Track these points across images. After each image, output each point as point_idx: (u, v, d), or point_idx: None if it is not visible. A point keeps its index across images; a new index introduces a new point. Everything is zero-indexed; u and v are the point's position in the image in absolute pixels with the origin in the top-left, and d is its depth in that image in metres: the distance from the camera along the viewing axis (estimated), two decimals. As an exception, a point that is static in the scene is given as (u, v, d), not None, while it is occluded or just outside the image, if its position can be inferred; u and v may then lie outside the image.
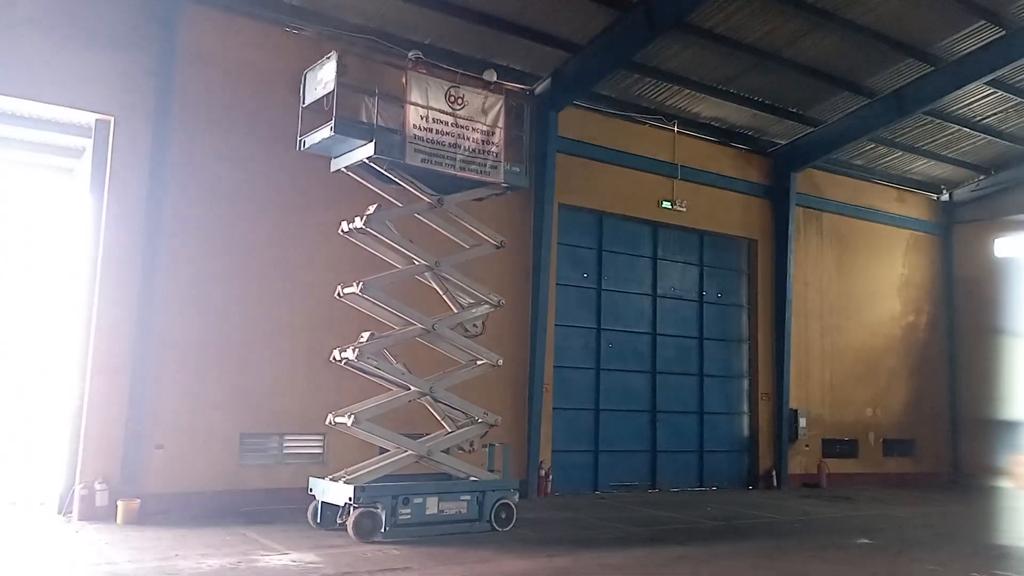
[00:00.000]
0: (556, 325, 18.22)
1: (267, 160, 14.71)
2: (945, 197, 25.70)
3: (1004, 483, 22.53)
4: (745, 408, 21.69)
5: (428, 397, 12.93)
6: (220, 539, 11.35)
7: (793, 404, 21.73)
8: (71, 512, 12.78)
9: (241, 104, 14.64)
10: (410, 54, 13.45)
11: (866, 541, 13.20)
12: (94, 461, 12.93)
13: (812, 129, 21.10)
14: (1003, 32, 17.46)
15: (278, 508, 13.67)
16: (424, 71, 13.09)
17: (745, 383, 21.76)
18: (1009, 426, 23.28)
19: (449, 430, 13.24)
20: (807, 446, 22.07)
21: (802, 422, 21.81)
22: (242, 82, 14.69)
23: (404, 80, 12.67)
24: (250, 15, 14.76)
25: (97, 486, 12.76)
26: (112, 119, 13.70)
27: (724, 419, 21.32)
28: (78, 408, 13.22)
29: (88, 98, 13.54)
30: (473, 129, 13.11)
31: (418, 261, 13.10)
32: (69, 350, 13.82)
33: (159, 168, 13.71)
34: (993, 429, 23.72)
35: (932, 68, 18.71)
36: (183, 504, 13.31)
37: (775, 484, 20.99)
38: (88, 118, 13.96)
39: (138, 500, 12.72)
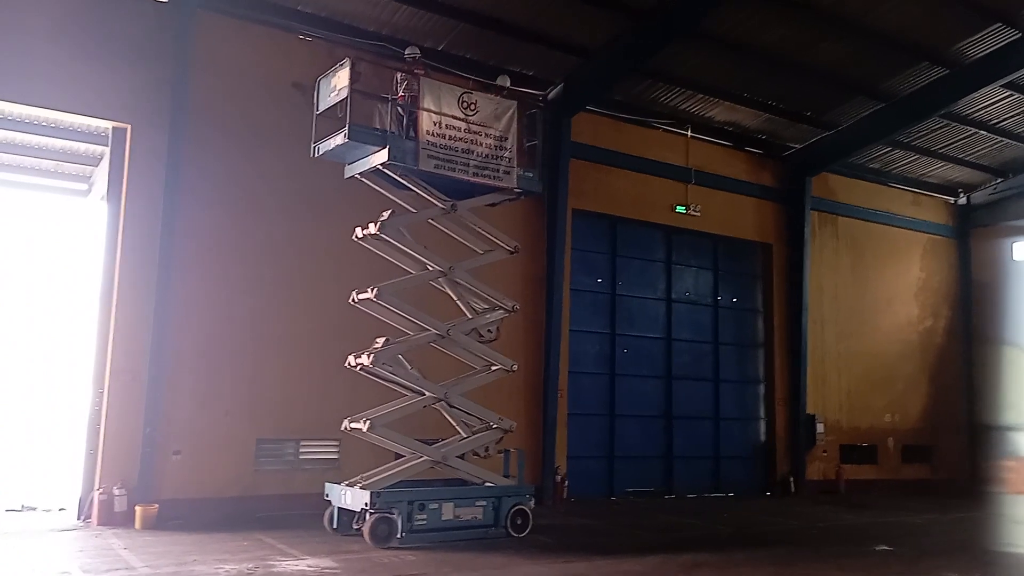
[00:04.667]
0: (570, 330, 18.16)
1: (281, 167, 14.77)
2: (962, 200, 25.50)
3: (999, 489, 21.99)
4: (761, 414, 21.56)
5: (443, 402, 12.93)
6: (237, 544, 11.38)
7: (810, 409, 21.57)
8: (90, 517, 12.89)
9: (255, 111, 14.73)
10: (406, 52, 13.38)
11: (885, 548, 13.07)
12: (112, 467, 13.02)
13: (827, 133, 21.00)
14: (1019, 34, 17.30)
15: (294, 514, 13.66)
16: (423, 72, 13.10)
17: (761, 388, 21.63)
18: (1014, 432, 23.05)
19: (464, 435, 13.21)
20: (825, 452, 21.88)
21: (819, 427, 21.61)
22: (256, 89, 14.78)
23: (417, 86, 12.74)
24: (263, 23, 14.85)
25: (115, 491, 12.85)
26: (129, 127, 13.83)
27: (740, 425, 21.22)
28: (96, 414, 13.32)
29: (105, 106, 13.68)
30: (486, 135, 13.14)
31: (432, 267, 13.12)
32: (87, 356, 13.92)
33: (175, 175, 13.80)
34: (1003, 436, 23.45)
35: (947, 71, 18.58)
36: (200, 509, 13.36)
37: (792, 490, 20.81)
38: (105, 126, 14.13)
39: (156, 505, 12.80)
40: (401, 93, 12.76)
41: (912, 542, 13.90)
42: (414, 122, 12.63)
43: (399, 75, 12.91)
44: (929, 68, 18.59)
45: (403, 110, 12.66)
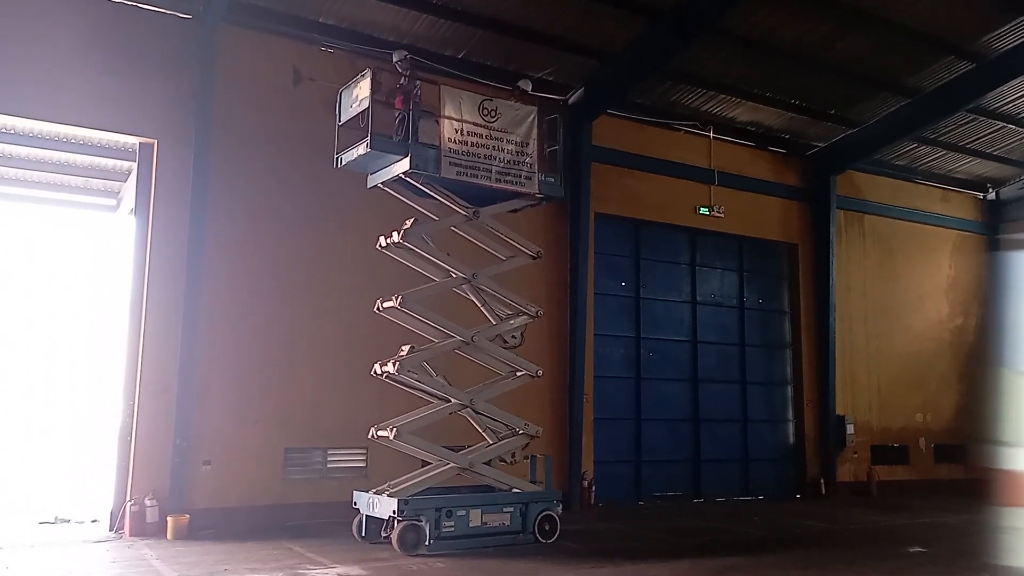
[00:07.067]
0: (595, 335, 18.11)
1: (305, 178, 14.90)
2: (992, 195, 25.11)
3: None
4: (790, 415, 21.34)
5: (469, 409, 12.94)
6: (267, 553, 11.47)
7: (839, 410, 21.32)
8: (122, 528, 13.04)
9: (278, 123, 14.87)
10: (394, 56, 13.35)
11: (919, 550, 12.88)
12: (144, 478, 13.18)
13: (851, 130, 20.77)
14: (1047, 26, 17.08)
15: (323, 522, 13.76)
16: (419, 77, 13.06)
17: (789, 390, 21.41)
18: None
19: (491, 442, 13.22)
20: (855, 453, 21.61)
21: (849, 428, 21.35)
22: (278, 101, 14.92)
23: (438, 94, 12.79)
24: (285, 35, 15.00)
25: (147, 502, 13.01)
26: (155, 142, 14.02)
27: (768, 427, 21.00)
28: (128, 426, 13.49)
29: (132, 122, 13.89)
30: (507, 141, 13.15)
31: (456, 273, 13.15)
32: (117, 369, 14.11)
33: (201, 188, 13.97)
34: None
35: (973, 65, 18.33)
36: (230, 519, 13.49)
37: (823, 492, 20.56)
38: (132, 141, 14.33)
39: (187, 516, 12.94)
40: (399, 97, 12.74)
41: (946, 544, 13.66)
42: (415, 125, 12.55)
43: (398, 83, 12.89)
44: (955, 63, 18.35)
45: (403, 115, 12.62)
